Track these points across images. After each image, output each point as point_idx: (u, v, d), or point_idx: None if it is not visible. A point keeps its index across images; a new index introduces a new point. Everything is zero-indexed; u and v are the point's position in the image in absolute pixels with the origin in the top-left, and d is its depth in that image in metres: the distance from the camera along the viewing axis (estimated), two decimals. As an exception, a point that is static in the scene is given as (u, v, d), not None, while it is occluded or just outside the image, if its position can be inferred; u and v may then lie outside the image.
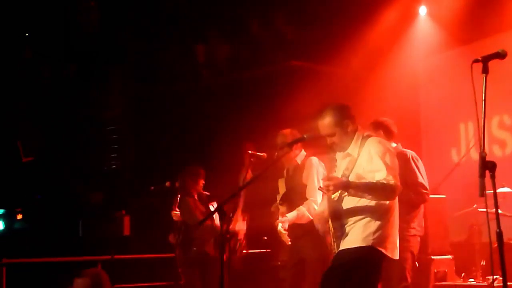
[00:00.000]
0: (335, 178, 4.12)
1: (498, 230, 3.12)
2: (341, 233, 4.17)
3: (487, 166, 3.05)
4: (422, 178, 5.63)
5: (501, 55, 3.24)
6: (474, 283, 6.62)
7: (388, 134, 5.63)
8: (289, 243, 5.35)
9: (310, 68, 9.49)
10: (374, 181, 4.02)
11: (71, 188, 10.66)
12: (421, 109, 9.60)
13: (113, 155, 11.25)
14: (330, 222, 4.25)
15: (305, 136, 4.96)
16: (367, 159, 4.13)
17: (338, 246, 4.19)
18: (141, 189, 9.51)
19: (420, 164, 5.72)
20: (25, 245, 9.97)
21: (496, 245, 3.15)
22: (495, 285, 5.24)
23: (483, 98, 3.10)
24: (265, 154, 5.69)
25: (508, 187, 6.57)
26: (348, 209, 4.17)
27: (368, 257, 4.12)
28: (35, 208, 11.02)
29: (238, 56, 9.99)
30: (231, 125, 9.97)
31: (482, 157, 3.05)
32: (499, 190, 5.65)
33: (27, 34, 10.20)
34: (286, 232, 5.31)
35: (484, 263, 6.67)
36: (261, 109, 9.48)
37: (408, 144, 6.02)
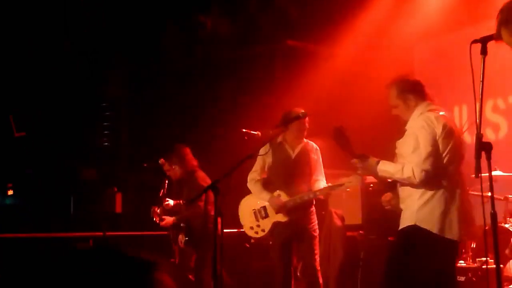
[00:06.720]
0: (364, 160, 4.14)
1: (492, 211, 3.13)
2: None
3: (484, 147, 3.05)
4: None
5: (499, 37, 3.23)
6: (464, 265, 6.65)
7: None
8: None
9: (305, 48, 9.43)
10: (399, 170, 4.01)
11: (63, 164, 10.62)
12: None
13: (106, 131, 11.21)
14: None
15: (300, 114, 4.95)
16: (410, 134, 4.10)
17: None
18: (134, 166, 9.50)
19: None
20: (16, 220, 9.95)
21: (488, 227, 3.16)
22: (487, 267, 5.25)
23: (481, 79, 3.08)
24: (259, 133, 5.68)
25: (500, 170, 6.57)
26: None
27: (412, 237, 4.01)
28: (27, 183, 10.99)
29: (234, 33, 9.90)
30: (225, 103, 9.95)
31: (479, 138, 3.04)
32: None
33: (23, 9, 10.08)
34: None
35: (474, 246, 6.70)
36: (256, 87, 9.44)
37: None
